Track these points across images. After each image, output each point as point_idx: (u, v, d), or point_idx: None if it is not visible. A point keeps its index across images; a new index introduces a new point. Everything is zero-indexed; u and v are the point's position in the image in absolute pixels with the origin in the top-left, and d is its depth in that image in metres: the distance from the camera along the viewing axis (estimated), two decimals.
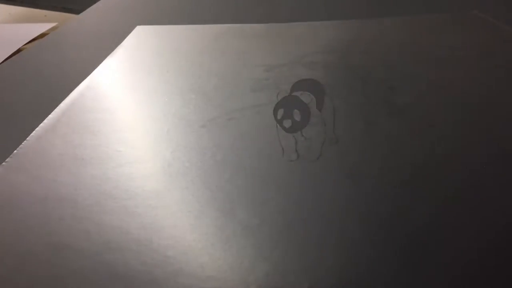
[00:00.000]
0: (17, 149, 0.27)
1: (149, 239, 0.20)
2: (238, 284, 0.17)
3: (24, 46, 0.53)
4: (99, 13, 0.60)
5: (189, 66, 0.39)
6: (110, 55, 0.42)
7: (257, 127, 0.28)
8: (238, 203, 0.22)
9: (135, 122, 0.30)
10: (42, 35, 0.57)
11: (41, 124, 0.30)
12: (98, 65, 0.39)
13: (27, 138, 0.28)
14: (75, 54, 0.44)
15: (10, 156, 0.26)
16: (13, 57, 0.47)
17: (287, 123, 0.25)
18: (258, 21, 0.49)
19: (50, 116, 0.31)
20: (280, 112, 0.25)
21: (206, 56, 0.40)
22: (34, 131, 0.29)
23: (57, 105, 0.32)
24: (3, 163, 0.26)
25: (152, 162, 0.25)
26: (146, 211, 0.21)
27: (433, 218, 0.20)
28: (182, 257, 0.19)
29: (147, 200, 0.22)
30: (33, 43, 0.55)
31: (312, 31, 0.45)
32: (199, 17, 0.54)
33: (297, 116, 0.25)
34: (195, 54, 0.41)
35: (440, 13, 0.48)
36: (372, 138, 0.26)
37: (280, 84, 0.34)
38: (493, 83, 0.32)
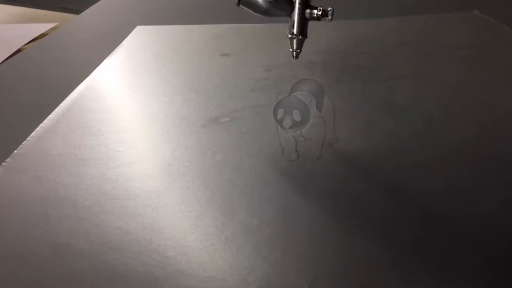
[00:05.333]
0: (17, 149, 0.27)
1: (149, 240, 0.20)
2: (238, 284, 0.17)
3: (24, 46, 0.53)
4: (99, 13, 0.60)
5: (189, 66, 0.39)
6: (110, 55, 0.42)
7: (257, 127, 0.28)
8: (238, 203, 0.22)
9: (135, 122, 0.30)
10: (42, 35, 0.57)
11: (41, 124, 0.30)
12: (98, 65, 0.39)
13: (27, 138, 0.28)
14: (75, 54, 0.44)
15: (10, 156, 0.26)
16: (13, 57, 0.47)
17: (287, 123, 0.25)
18: (258, 21, 0.49)
19: (50, 116, 0.31)
20: (280, 112, 0.25)
21: (206, 56, 0.40)
22: (34, 131, 0.29)
23: (57, 105, 0.32)
24: (3, 163, 0.26)
25: (152, 162, 0.25)
26: (146, 211, 0.21)
27: (434, 216, 0.20)
28: (182, 258, 0.19)
29: (147, 200, 0.22)
30: (33, 43, 0.55)
31: (312, 31, 0.45)
32: (199, 17, 0.54)
33: (297, 116, 0.25)
34: (195, 54, 0.41)
35: (440, 13, 0.48)
36: (372, 138, 0.26)
37: (280, 84, 0.34)
38: (493, 83, 0.32)
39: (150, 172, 0.24)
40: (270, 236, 0.20)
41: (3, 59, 0.48)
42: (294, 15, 0.23)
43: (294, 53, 0.24)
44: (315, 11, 0.23)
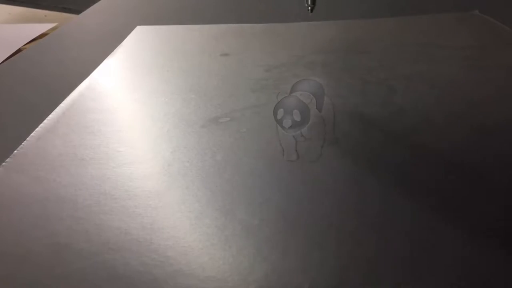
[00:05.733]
0: (17, 149, 0.27)
1: (149, 240, 0.20)
2: (238, 284, 0.17)
3: (24, 46, 0.53)
4: (99, 13, 0.60)
5: (189, 66, 0.39)
6: (110, 55, 0.42)
7: (257, 127, 0.28)
8: (238, 203, 0.22)
9: (135, 122, 0.30)
10: (42, 35, 0.57)
11: (41, 124, 0.30)
12: (98, 65, 0.39)
13: (27, 138, 0.28)
14: (75, 54, 0.44)
15: (10, 156, 0.26)
16: (13, 57, 0.47)
17: (287, 123, 0.25)
18: (258, 21, 0.49)
19: (50, 116, 0.31)
20: (280, 112, 0.25)
21: (206, 56, 0.40)
22: (34, 131, 0.29)
23: (57, 105, 0.32)
24: (3, 163, 0.26)
25: (152, 162, 0.25)
26: (146, 211, 0.21)
27: (434, 217, 0.20)
28: (182, 258, 0.19)
29: (147, 200, 0.22)
30: (33, 43, 0.55)
31: (312, 31, 0.45)
32: (199, 17, 0.54)
33: (297, 116, 0.25)
34: (195, 54, 0.41)
35: (440, 13, 0.48)
36: (372, 138, 0.26)
37: (280, 84, 0.34)
38: (493, 83, 0.32)
39: (150, 172, 0.24)
40: (270, 236, 0.20)
41: (3, 59, 0.48)
42: None
43: (309, 8, 0.29)
44: None
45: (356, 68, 0.36)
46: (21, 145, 0.27)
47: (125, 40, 0.46)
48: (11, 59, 0.46)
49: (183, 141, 0.27)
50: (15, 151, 0.27)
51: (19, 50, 0.52)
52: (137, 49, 0.43)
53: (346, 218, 0.20)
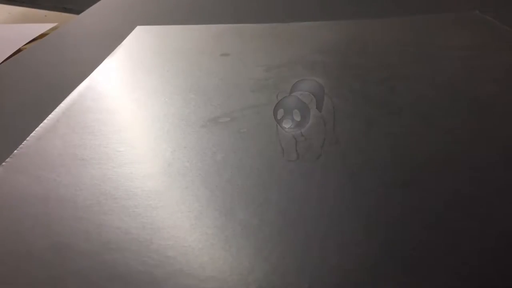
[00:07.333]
0: (17, 149, 0.27)
1: (149, 240, 0.20)
2: (238, 284, 0.17)
3: (24, 46, 0.53)
4: (99, 13, 0.60)
5: (189, 66, 0.39)
6: (110, 55, 0.42)
7: (257, 127, 0.28)
8: (238, 203, 0.22)
9: (135, 122, 0.30)
10: (42, 35, 0.57)
11: (41, 124, 0.30)
12: (98, 65, 0.39)
13: (27, 138, 0.28)
14: (75, 54, 0.44)
15: (10, 156, 0.26)
16: (13, 57, 0.47)
17: (287, 123, 0.25)
18: (258, 21, 0.49)
19: (50, 116, 0.31)
20: (280, 112, 0.25)
21: (206, 56, 0.40)
22: (34, 131, 0.29)
23: (57, 105, 0.32)
24: (3, 163, 0.26)
25: (152, 162, 0.25)
26: (146, 211, 0.21)
27: (434, 217, 0.20)
28: (182, 258, 0.19)
29: (147, 200, 0.22)
30: (33, 43, 0.55)
31: (312, 31, 0.45)
32: (199, 17, 0.54)
33: (297, 116, 0.25)
34: (195, 54, 0.41)
35: (440, 13, 0.48)
36: (372, 138, 0.26)
37: (280, 84, 0.34)
38: (493, 83, 0.32)
39: (150, 172, 0.24)
40: (270, 236, 0.20)
41: (3, 59, 0.48)
42: None
43: None
44: None
45: (356, 68, 0.36)
46: (21, 145, 0.27)
47: (125, 40, 0.46)
48: (11, 59, 0.46)
49: (183, 141, 0.27)
50: (15, 151, 0.27)
51: (19, 50, 0.52)
52: (137, 49, 0.43)
53: (346, 218, 0.20)
